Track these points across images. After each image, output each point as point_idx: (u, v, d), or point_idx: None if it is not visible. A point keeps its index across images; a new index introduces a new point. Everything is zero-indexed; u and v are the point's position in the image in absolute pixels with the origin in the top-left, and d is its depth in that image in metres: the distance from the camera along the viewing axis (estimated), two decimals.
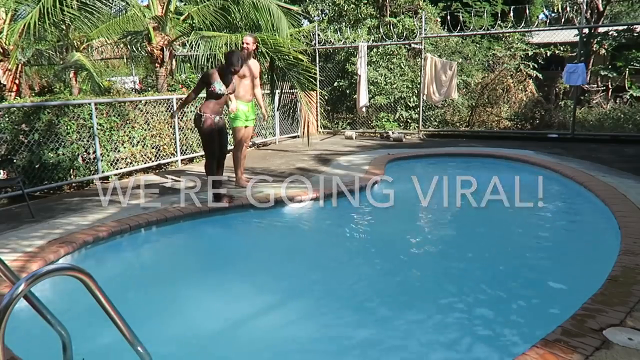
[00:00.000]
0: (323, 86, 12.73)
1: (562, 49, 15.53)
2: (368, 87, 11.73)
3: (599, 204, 5.02)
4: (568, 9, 15.17)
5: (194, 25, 8.65)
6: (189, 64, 11.13)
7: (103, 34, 9.26)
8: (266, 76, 8.74)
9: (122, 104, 7.05)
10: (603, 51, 15.56)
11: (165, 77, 8.67)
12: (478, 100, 12.26)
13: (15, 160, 5.56)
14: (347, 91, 12.92)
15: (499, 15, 13.38)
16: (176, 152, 8.01)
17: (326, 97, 12.95)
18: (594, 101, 13.93)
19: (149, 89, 10.91)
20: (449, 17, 12.07)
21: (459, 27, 10.93)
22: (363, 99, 11.24)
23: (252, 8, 8.41)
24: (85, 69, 10.13)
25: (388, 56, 12.59)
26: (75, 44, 10.96)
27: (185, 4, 9.18)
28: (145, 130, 7.41)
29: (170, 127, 7.88)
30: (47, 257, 3.65)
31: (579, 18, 12.61)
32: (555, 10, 18.53)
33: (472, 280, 3.59)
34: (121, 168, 7.05)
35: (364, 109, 11.62)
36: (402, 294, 3.47)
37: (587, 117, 11.82)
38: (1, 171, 5.87)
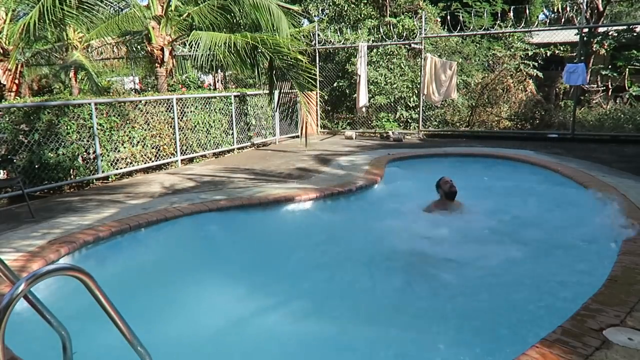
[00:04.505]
0: (323, 86, 12.73)
1: (562, 49, 15.50)
2: (368, 87, 11.73)
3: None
4: (568, 9, 15.16)
5: (193, 25, 8.64)
6: (189, 62, 11.15)
7: (102, 34, 9.25)
8: (265, 76, 8.73)
9: (122, 104, 7.05)
10: (603, 51, 15.53)
11: (165, 77, 8.66)
12: (478, 100, 12.25)
13: (15, 160, 5.56)
14: (347, 91, 12.91)
15: (499, 15, 13.39)
16: (176, 152, 8.01)
17: (326, 98, 12.95)
18: (594, 101, 13.92)
19: (149, 89, 10.90)
20: (449, 17, 12.08)
21: (459, 27, 10.93)
22: (363, 99, 11.24)
23: (252, 7, 8.40)
24: (84, 69, 10.13)
25: (388, 56, 12.58)
26: (75, 44, 10.96)
27: (185, 4, 9.15)
28: (145, 130, 7.40)
29: (170, 127, 7.88)
30: (47, 257, 3.65)
31: (579, 18, 12.61)
32: (555, 10, 18.52)
33: (471, 280, 3.59)
34: (121, 168, 7.05)
35: (363, 109, 11.61)
36: (401, 292, 3.47)
37: (587, 117, 11.81)
38: (1, 171, 5.87)
